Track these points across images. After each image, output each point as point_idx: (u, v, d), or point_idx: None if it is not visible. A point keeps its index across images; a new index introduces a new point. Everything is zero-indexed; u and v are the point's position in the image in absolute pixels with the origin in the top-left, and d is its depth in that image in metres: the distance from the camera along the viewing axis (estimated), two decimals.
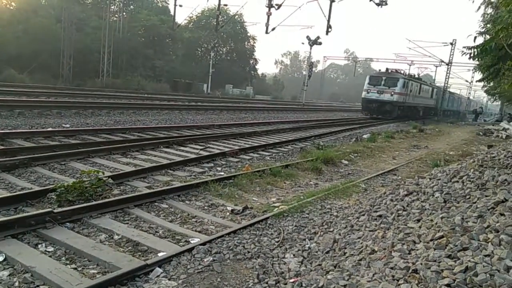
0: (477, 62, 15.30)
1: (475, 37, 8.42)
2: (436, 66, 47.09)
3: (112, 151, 8.07)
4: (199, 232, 4.59)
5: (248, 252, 4.07)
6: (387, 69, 30.76)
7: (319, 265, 3.73)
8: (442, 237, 3.15)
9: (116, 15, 35.91)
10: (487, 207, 3.61)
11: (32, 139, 8.49)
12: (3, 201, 4.60)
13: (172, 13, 34.07)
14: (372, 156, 11.65)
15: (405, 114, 30.88)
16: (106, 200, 5.01)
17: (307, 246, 4.34)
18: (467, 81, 54.33)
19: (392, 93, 28.14)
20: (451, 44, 38.22)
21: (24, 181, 5.71)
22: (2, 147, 7.35)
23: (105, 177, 5.57)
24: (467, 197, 4.23)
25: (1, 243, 3.68)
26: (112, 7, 34.88)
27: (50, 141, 8.62)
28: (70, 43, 28.54)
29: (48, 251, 3.74)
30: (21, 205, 4.71)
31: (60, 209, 4.43)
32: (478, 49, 8.43)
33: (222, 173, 7.49)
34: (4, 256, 3.49)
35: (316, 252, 4.15)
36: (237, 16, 46.54)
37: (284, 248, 4.31)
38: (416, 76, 36.99)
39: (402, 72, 31.43)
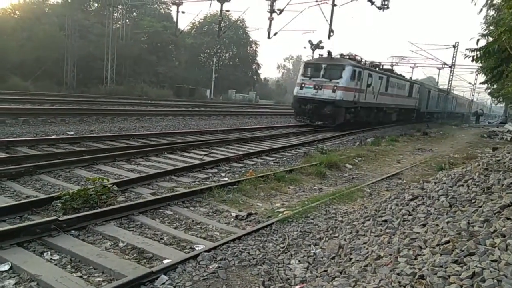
0: (480, 64, 15.31)
1: (478, 40, 8.44)
2: (439, 69, 46.96)
3: (116, 158, 8.10)
4: (204, 238, 4.59)
5: (253, 258, 4.06)
6: (329, 52, 20.08)
7: (325, 271, 3.72)
8: (448, 242, 3.13)
9: (119, 22, 36.07)
10: (493, 211, 3.58)
11: (37, 147, 8.52)
12: (9, 210, 4.62)
13: (174, 19, 34.17)
14: (376, 160, 11.62)
15: (361, 119, 21.06)
16: (111, 207, 5.02)
17: (312, 252, 4.33)
18: (470, 83, 54.16)
19: (335, 87, 18.26)
20: (454, 46, 38.17)
21: (29, 189, 5.74)
22: (7, 155, 7.39)
23: (110, 184, 5.59)
24: (473, 201, 4.20)
25: (7, 252, 3.70)
26: (115, 14, 35.03)
27: (55, 148, 8.66)
28: (73, 50, 28.70)
29: (54, 259, 3.75)
30: (26, 213, 4.73)
31: (65, 217, 4.45)
32: (481, 51, 8.44)
33: (226, 179, 7.50)
34: (10, 265, 3.50)
35: (322, 258, 4.14)
36: (239, 22, 46.73)
37: (289, 254, 4.29)
38: (387, 67, 27.78)
39: (358, 58, 21.10)
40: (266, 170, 8.42)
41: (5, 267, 3.47)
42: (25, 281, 3.32)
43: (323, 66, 19.15)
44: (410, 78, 32.47)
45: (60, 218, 4.34)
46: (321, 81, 18.85)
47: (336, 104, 18.47)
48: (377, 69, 23.24)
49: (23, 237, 3.92)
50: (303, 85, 19.51)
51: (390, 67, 29.04)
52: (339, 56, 20.64)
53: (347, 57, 20.65)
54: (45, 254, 3.82)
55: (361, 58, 21.21)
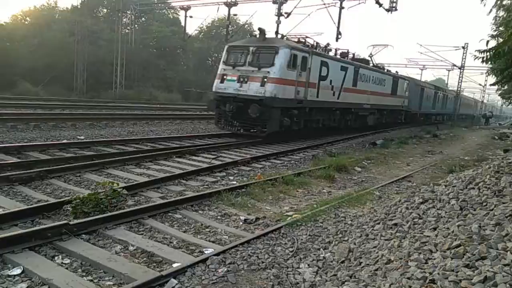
0: (490, 66, 15.16)
1: (488, 41, 8.35)
2: (449, 70, 46.57)
3: (126, 162, 8.15)
4: (213, 242, 4.61)
5: (262, 262, 4.06)
6: (261, 30, 14.12)
7: (335, 275, 3.70)
8: (459, 245, 3.10)
9: (128, 28, 36.43)
10: (505, 214, 3.53)
11: (48, 152, 8.62)
12: (20, 214, 4.68)
13: (183, 24, 34.40)
14: (386, 162, 11.55)
15: (313, 124, 15.54)
16: (121, 211, 5.05)
17: (321, 255, 4.31)
18: (480, 84, 53.58)
19: (265, 79, 12.72)
20: (463, 48, 37.84)
21: (40, 194, 5.80)
22: (19, 160, 7.49)
23: (120, 188, 5.62)
24: (484, 204, 4.15)
25: (19, 256, 3.74)
26: (124, 20, 35.39)
27: (65, 153, 8.75)
28: (83, 55, 29.02)
29: (65, 263, 3.78)
30: (37, 217, 4.78)
31: (76, 221, 4.49)
32: (491, 52, 8.34)
33: (235, 182, 7.51)
34: (22, 269, 3.54)
35: (331, 262, 4.12)
36: (246, 25, 46.82)
37: (298, 258, 4.28)
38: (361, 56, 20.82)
39: (310, 42, 15.44)
40: (275, 173, 8.42)
41: (17, 271, 3.51)
42: (36, 285, 3.36)
43: (251, 49, 13.40)
44: (397, 72, 25.69)
45: (71, 222, 4.38)
46: (248, 70, 13.16)
47: (266, 103, 12.52)
48: (346, 58, 17.97)
49: (35, 241, 3.97)
50: (224, 76, 13.75)
51: (369, 58, 22.10)
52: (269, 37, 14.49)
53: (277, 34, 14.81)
54: (56, 258, 3.86)
55: (317, 43, 15.83)
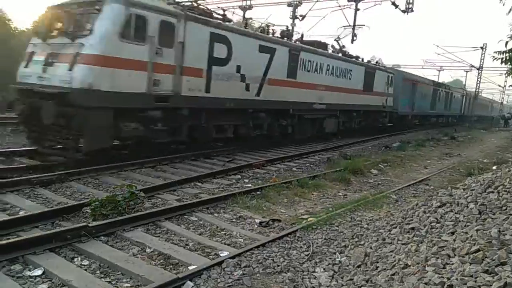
0: (510, 67, 14.82)
1: (507, 42, 8.22)
2: (467, 71, 45.75)
3: (143, 164, 8.25)
4: (228, 245, 4.63)
5: (278, 265, 4.06)
6: None
7: (351, 279, 3.68)
8: (478, 250, 3.05)
9: None
10: None
11: None
12: (41, 216, 4.80)
13: None
14: (403, 165, 11.42)
15: (209, 133, 10.16)
16: (138, 213, 5.13)
17: (337, 259, 4.29)
18: (500, 85, 52.37)
19: (77, 57, 7.14)
20: (482, 48, 37.12)
21: (60, 196, 5.93)
22: (40, 163, 7.66)
23: (137, 190, 5.71)
24: (504, 208, 4.07)
25: (40, 257, 3.83)
26: None
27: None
28: None
29: (84, 265, 3.86)
30: (57, 219, 4.89)
31: (94, 223, 4.58)
32: (510, 53, 8.21)
33: (250, 185, 7.53)
34: (43, 270, 3.62)
35: (347, 266, 4.10)
36: (261, 29, 46.97)
37: (314, 262, 4.27)
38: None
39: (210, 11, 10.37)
40: (289, 176, 8.42)
41: (38, 271, 3.60)
42: (57, 286, 3.43)
43: (68, 10, 8.16)
44: (378, 63, 19.91)
45: (90, 224, 4.47)
46: (59, 44, 7.80)
47: (74, 99, 7.15)
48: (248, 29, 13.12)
49: (55, 243, 4.06)
50: (31, 56, 8.31)
51: (336, 42, 17.54)
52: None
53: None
54: (75, 259, 3.94)
55: (224, 10, 11.58)
